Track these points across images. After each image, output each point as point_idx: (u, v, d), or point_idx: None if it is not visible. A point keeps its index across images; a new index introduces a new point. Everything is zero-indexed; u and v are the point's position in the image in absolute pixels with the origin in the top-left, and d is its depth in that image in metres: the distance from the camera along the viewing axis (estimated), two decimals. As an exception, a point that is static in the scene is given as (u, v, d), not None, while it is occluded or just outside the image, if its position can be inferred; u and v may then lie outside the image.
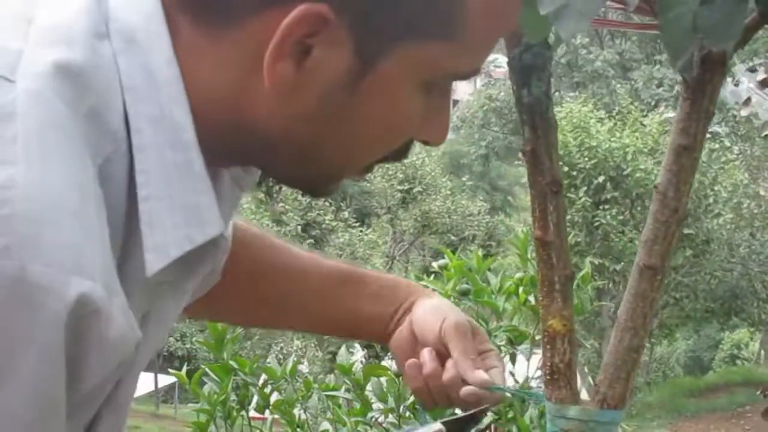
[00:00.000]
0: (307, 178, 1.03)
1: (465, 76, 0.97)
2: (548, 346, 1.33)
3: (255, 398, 3.77)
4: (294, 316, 1.49)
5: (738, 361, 28.38)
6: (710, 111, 1.25)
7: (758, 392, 4.36)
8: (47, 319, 0.77)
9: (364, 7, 0.86)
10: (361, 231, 23.53)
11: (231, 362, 3.63)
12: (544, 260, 1.33)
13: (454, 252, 4.00)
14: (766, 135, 5.48)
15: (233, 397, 3.69)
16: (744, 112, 5.29)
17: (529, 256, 3.78)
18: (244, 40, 0.88)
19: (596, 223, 19.57)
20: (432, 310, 1.36)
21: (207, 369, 3.65)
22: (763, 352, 28.31)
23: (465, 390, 1.28)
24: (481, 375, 1.28)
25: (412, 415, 3.28)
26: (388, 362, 3.77)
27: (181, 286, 1.02)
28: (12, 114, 0.80)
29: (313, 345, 20.26)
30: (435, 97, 0.96)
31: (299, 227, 21.79)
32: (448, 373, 1.30)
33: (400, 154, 1.01)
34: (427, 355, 1.33)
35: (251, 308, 1.48)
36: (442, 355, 1.32)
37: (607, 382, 1.30)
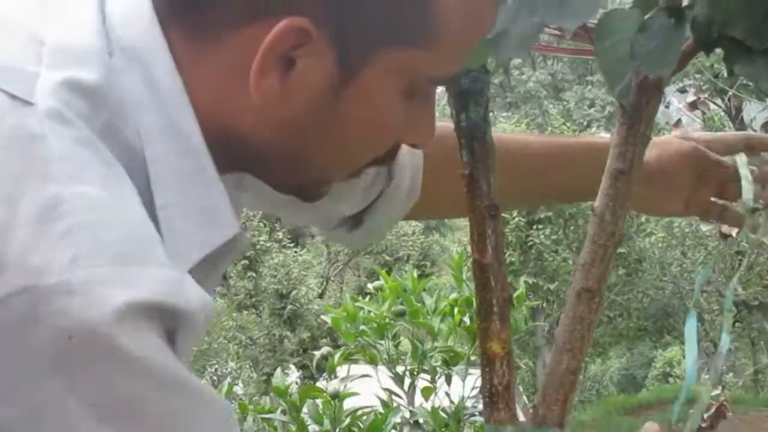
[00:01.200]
0: (298, 184, 1.06)
1: (445, 81, 1.03)
2: (487, 369, 1.32)
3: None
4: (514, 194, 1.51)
5: (670, 379, 28.63)
6: (647, 135, 1.26)
7: (690, 410, 4.39)
8: (133, 312, 0.80)
9: (344, 19, 0.90)
10: (295, 252, 23.48)
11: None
12: (482, 283, 1.33)
13: (389, 272, 4.02)
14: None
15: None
16: (675, 133, 5.37)
17: (464, 276, 3.80)
18: (230, 55, 0.91)
19: (530, 243, 19.71)
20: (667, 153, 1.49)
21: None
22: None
23: None
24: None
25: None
26: (323, 383, 3.77)
27: (203, 283, 1.04)
28: (43, 135, 0.83)
29: (248, 366, 20.17)
30: (418, 101, 1.00)
31: (233, 248, 21.70)
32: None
33: (388, 157, 1.06)
34: None
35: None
36: None
37: (546, 404, 1.30)
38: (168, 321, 0.83)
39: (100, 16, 0.93)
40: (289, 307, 20.37)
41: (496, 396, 1.31)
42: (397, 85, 0.97)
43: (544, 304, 19.03)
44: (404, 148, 1.20)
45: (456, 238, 26.33)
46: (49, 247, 0.79)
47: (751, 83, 1.18)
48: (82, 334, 0.78)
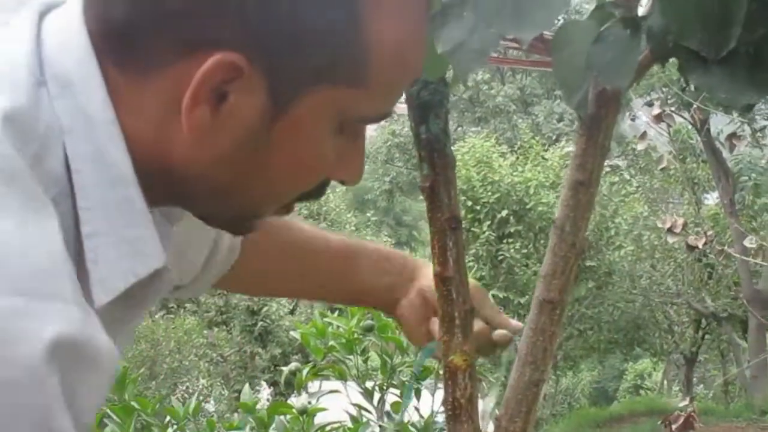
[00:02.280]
0: (227, 217, 1.07)
1: (374, 120, 1.02)
2: (449, 382, 1.33)
3: (156, 438, 3.72)
4: (308, 290, 1.71)
5: (641, 391, 28.70)
6: (606, 146, 1.27)
7: (660, 422, 4.42)
8: (30, 345, 0.79)
9: (276, 55, 0.91)
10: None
11: (133, 403, 3.59)
12: (445, 296, 1.33)
13: (358, 288, 4.00)
14: (663, 168, 5.59)
15: (136, 437, 3.65)
16: (641, 146, 5.40)
17: (433, 291, 3.80)
18: (164, 88, 0.92)
19: (500, 257, 19.71)
20: None
21: (108, 410, 3.60)
22: (665, 381, 28.71)
23: (498, 332, 1.51)
24: (515, 322, 1.54)
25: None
26: (293, 400, 3.76)
27: (129, 321, 1.05)
28: None
29: (219, 383, 20.08)
30: (348, 139, 1.02)
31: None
32: (478, 324, 1.45)
33: (316, 193, 1.06)
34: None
35: (274, 283, 1.65)
36: None
37: (508, 416, 1.31)
38: (64, 359, 0.81)
39: (35, 45, 0.94)
40: (260, 323, 20.28)
41: (458, 409, 1.32)
42: (328, 122, 0.98)
43: (515, 318, 19.06)
44: None
45: (426, 253, 26.37)
46: None
47: (709, 95, 1.18)
48: None
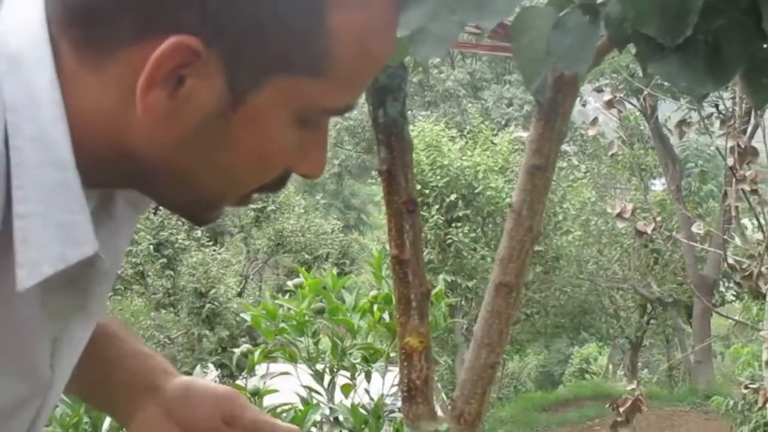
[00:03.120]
0: (186, 205, 1.05)
1: (337, 113, 1.01)
2: (405, 363, 1.34)
3: (108, 421, 3.71)
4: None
5: (587, 375, 28.95)
6: (562, 132, 1.28)
7: (607, 405, 4.46)
8: None
9: (235, 41, 0.90)
10: (214, 250, 23.29)
11: (83, 384, 3.57)
12: (401, 278, 1.34)
13: (308, 270, 4.01)
14: (612, 153, 5.62)
15: (86, 419, 3.63)
16: (591, 132, 5.43)
17: (383, 274, 3.81)
18: (120, 70, 0.91)
19: (449, 241, 19.76)
20: (194, 389, 1.31)
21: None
22: (611, 366, 28.94)
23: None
24: (289, 425, 1.30)
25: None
26: (242, 381, 3.75)
27: (85, 308, 1.03)
28: None
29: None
30: (310, 131, 1.00)
31: (151, 246, 21.48)
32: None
33: (277, 185, 1.05)
34: None
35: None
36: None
37: (463, 398, 1.32)
38: None
39: None
40: (208, 305, 20.20)
41: (414, 390, 1.33)
42: (288, 112, 0.97)
43: (463, 302, 19.09)
44: None
45: (375, 236, 26.29)
46: None
47: (666, 83, 1.20)
48: None
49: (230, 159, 0.98)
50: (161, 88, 0.90)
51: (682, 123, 4.71)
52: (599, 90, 5.54)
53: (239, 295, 21.75)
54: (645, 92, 5.83)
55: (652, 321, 23.80)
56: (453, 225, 19.80)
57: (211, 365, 19.77)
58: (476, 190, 19.85)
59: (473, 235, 19.86)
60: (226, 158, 0.98)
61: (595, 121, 5.21)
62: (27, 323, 0.93)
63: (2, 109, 0.89)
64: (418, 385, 1.32)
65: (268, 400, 3.37)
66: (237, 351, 3.94)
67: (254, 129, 0.96)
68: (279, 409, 3.36)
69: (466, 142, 21.40)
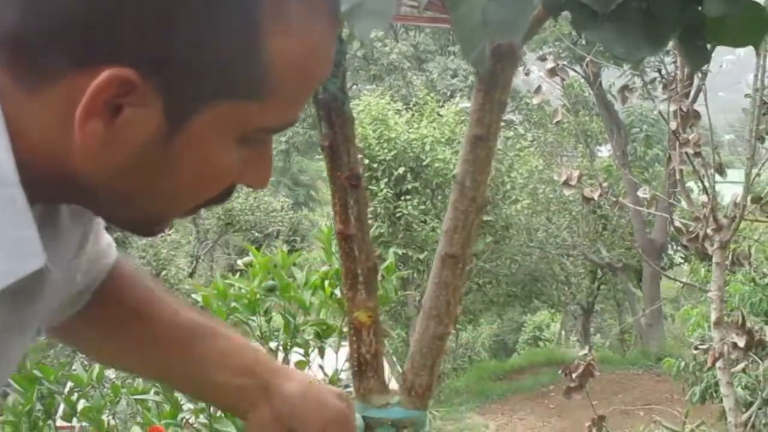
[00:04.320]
0: (130, 222, 1.07)
1: (279, 130, 1.02)
2: (354, 338, 1.34)
3: (62, 407, 3.69)
4: (148, 367, 1.44)
5: (540, 343, 29.16)
6: (503, 101, 1.28)
7: (560, 371, 4.49)
8: None
9: (171, 71, 0.90)
10: (163, 233, 23.27)
11: (35, 371, 3.55)
12: (347, 253, 1.34)
13: (258, 249, 4.01)
14: (558, 121, 5.64)
15: (39, 407, 3.61)
16: (536, 100, 5.45)
17: (333, 249, 3.81)
18: (57, 99, 0.91)
19: (398, 214, 19.79)
20: (310, 400, 1.33)
21: (10, 380, 3.56)
22: (563, 332, 29.17)
23: None
24: None
25: (222, 414, 3.26)
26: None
27: (21, 321, 1.03)
28: None
29: (119, 349, 19.93)
30: (253, 146, 1.01)
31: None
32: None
33: (222, 197, 1.06)
34: None
35: (112, 347, 1.43)
36: None
37: (414, 370, 1.33)
38: None
39: None
40: (160, 287, 20.17)
41: (364, 365, 1.33)
42: (228, 135, 0.98)
43: (415, 275, 19.12)
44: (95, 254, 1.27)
45: (325, 212, 26.27)
46: None
47: (605, 49, 1.20)
48: None
49: (172, 182, 0.99)
50: (98, 117, 0.91)
51: (625, 89, 4.73)
52: (542, 58, 5.56)
53: (191, 275, 21.69)
54: (587, 59, 5.85)
55: (602, 286, 24.01)
56: (402, 198, 19.83)
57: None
58: (424, 163, 19.88)
59: (423, 207, 19.91)
60: (168, 182, 0.99)
61: (538, 89, 5.22)
62: None
63: None
64: (368, 359, 1.32)
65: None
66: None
67: (195, 153, 0.97)
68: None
69: (413, 115, 21.41)
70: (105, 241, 1.35)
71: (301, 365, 3.76)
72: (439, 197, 20.10)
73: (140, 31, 0.89)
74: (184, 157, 0.96)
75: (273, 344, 3.82)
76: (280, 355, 3.81)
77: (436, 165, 19.83)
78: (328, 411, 1.31)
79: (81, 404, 3.67)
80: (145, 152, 0.95)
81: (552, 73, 4.71)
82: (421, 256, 19.50)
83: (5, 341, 1.02)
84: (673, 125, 4.41)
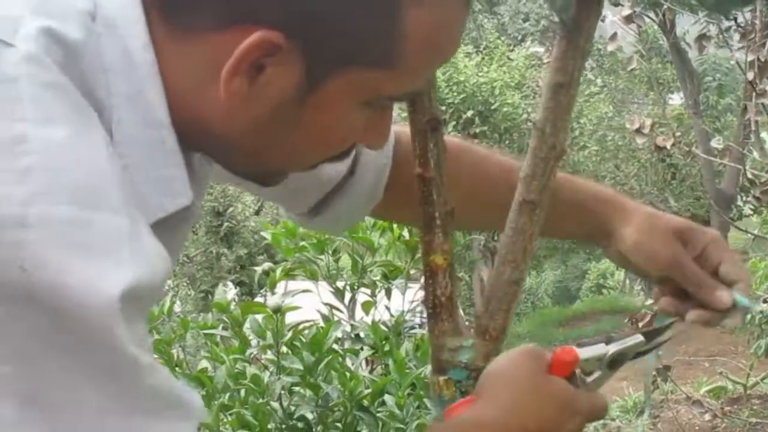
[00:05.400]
0: (256, 174, 1.15)
1: (403, 99, 1.12)
2: (430, 281, 1.35)
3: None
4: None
5: (604, 291, 29.04)
6: (586, 49, 1.28)
7: (626, 320, 4.49)
8: (84, 252, 0.84)
9: (314, 35, 0.95)
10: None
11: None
12: (426, 197, 1.35)
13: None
14: (632, 69, 5.59)
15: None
16: (611, 47, 5.40)
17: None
18: (203, 51, 0.97)
19: (466, 158, 19.72)
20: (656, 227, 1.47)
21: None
22: (627, 280, 29.03)
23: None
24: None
25: (290, 351, 3.30)
26: (260, 299, 3.77)
27: (168, 252, 1.09)
28: (15, 77, 0.86)
29: (185, 284, 20.14)
30: (376, 110, 1.07)
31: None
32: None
33: (343, 155, 1.13)
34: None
35: (473, 208, 1.52)
36: None
37: (488, 314, 1.33)
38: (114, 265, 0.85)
39: None
40: (226, 224, 20.29)
41: (439, 307, 1.34)
42: (357, 98, 1.03)
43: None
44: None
45: (392, 153, 26.29)
46: (7, 181, 0.82)
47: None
48: (32, 268, 0.81)
49: (299, 140, 1.05)
50: (243, 76, 0.96)
51: (702, 37, 4.68)
52: (616, 4, 5.50)
53: (257, 213, 21.81)
54: (665, 6, 5.77)
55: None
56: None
57: (230, 283, 19.90)
58: (492, 107, 19.80)
59: (490, 151, 19.81)
60: (296, 139, 1.05)
61: (614, 36, 5.17)
62: None
63: (101, 69, 0.94)
64: (443, 301, 1.33)
65: (290, 317, 3.40)
66: (258, 269, 3.96)
67: (324, 114, 1.02)
68: (301, 326, 3.40)
69: (482, 58, 21.29)
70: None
71: (367, 306, 3.78)
72: (507, 142, 20.03)
73: None
74: (313, 116, 1.02)
75: (340, 284, 3.84)
76: (347, 295, 3.84)
77: (505, 109, 19.74)
78: (671, 225, 1.48)
79: (152, 337, 3.73)
80: (279, 110, 1.01)
81: (628, 19, 4.67)
82: (488, 200, 19.46)
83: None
84: (750, 75, 4.35)
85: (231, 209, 20.44)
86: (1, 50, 0.88)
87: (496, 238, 21.52)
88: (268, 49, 0.95)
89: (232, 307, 3.65)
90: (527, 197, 1.31)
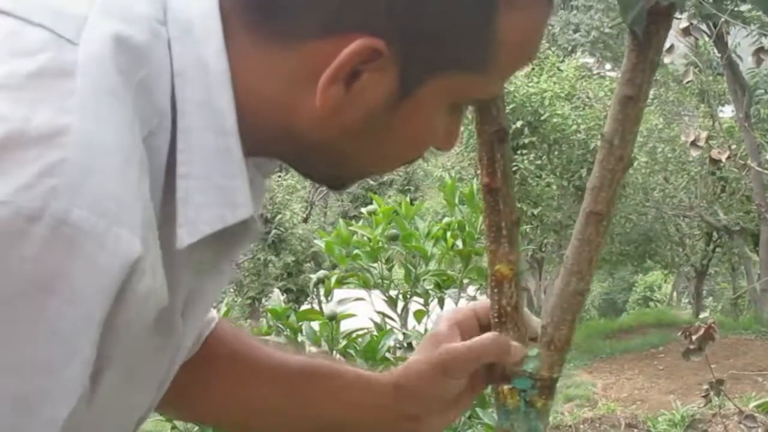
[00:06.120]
0: (336, 179, 1.15)
1: (484, 101, 1.16)
2: (495, 290, 1.36)
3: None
4: (269, 419, 1.41)
5: (651, 303, 28.86)
6: (655, 62, 1.29)
7: (679, 333, 4.46)
8: (84, 263, 0.82)
9: (412, 42, 0.96)
10: (279, 176, 23.44)
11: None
12: (492, 206, 1.36)
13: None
14: (689, 81, 5.57)
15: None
16: (667, 59, 5.39)
17: (456, 201, 3.82)
18: (297, 60, 0.97)
19: (514, 168, 19.63)
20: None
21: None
22: (675, 294, 28.84)
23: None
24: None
25: (344, 358, 3.31)
26: (307, 306, 3.78)
27: (218, 266, 1.09)
28: (72, 72, 0.86)
29: (233, 290, 20.22)
30: (455, 114, 1.09)
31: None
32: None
33: (417, 158, 1.14)
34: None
35: (226, 406, 1.39)
36: None
37: (554, 324, 1.34)
38: (111, 289, 0.83)
39: None
40: (274, 231, 20.37)
41: (504, 316, 1.35)
42: (446, 103, 1.04)
43: (528, 229, 19.06)
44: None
45: (439, 162, 26.25)
46: (36, 171, 0.81)
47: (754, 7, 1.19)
48: (31, 263, 0.80)
49: (387, 144, 1.06)
50: (341, 83, 0.97)
51: (761, 50, 4.65)
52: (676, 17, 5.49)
53: (305, 221, 21.90)
54: (722, 19, 5.75)
55: (717, 249, 23.60)
56: (518, 152, 19.69)
57: (276, 290, 19.96)
58: (542, 117, 19.71)
59: (539, 162, 19.76)
60: (383, 144, 1.06)
61: (671, 48, 5.16)
62: (176, 276, 0.97)
63: (170, 74, 0.94)
64: (508, 311, 1.34)
65: (345, 325, 3.41)
66: (314, 277, 3.98)
67: (414, 119, 1.03)
68: (355, 334, 3.40)
69: (532, 69, 21.19)
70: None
71: (420, 314, 3.79)
72: (556, 153, 19.95)
73: (392, 3, 0.95)
74: (403, 122, 1.03)
75: (393, 292, 3.86)
76: (400, 304, 3.85)
77: (554, 120, 19.65)
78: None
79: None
80: (372, 116, 1.01)
81: (686, 32, 4.65)
82: (535, 211, 19.41)
83: (202, 282, 1.07)
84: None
85: (279, 216, 20.52)
86: (64, 48, 0.87)
87: (543, 249, 21.46)
88: (368, 55, 0.95)
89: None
90: (594, 209, 1.31)
